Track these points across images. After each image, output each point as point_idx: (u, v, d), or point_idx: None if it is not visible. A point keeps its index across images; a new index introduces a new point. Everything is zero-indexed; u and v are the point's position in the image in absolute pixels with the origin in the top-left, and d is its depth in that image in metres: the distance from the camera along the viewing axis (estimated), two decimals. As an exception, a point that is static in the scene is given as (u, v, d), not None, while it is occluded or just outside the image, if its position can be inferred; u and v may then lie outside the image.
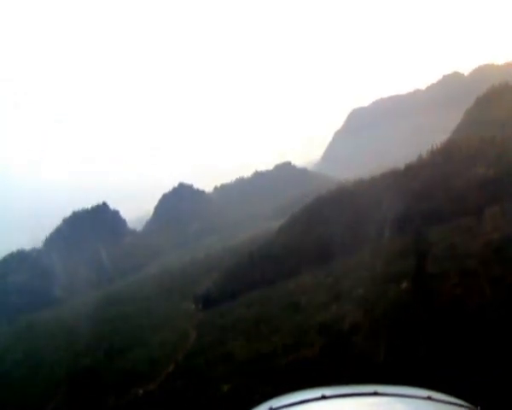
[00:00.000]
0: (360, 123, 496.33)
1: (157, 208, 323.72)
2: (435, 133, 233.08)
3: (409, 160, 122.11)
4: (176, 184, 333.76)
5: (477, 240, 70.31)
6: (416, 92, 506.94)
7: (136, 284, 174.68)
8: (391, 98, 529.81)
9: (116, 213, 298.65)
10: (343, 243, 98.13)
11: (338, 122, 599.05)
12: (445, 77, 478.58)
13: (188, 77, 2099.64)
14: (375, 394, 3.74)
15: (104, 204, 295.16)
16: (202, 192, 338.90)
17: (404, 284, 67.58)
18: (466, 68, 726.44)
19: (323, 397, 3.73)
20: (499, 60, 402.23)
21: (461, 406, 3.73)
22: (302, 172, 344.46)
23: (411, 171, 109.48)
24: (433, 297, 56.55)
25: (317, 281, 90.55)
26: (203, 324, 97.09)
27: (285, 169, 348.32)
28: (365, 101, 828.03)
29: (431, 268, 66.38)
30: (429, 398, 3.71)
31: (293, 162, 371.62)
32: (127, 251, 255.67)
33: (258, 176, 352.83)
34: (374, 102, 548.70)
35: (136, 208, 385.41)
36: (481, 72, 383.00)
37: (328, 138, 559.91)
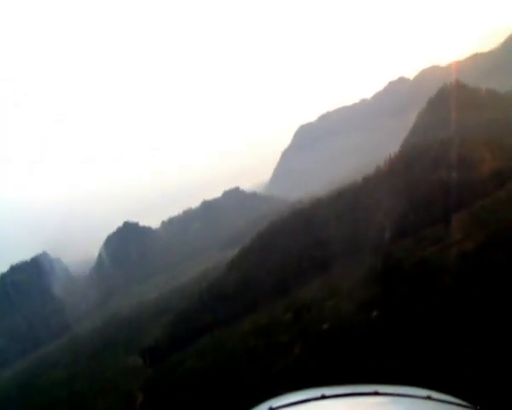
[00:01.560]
0: (308, 139, 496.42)
1: (101, 251, 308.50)
2: (389, 141, 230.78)
3: (363, 172, 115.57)
4: (120, 224, 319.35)
5: (449, 251, 62.21)
6: (363, 102, 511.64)
7: (78, 338, 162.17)
8: (337, 111, 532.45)
9: (58, 261, 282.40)
10: (301, 272, 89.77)
11: (285, 140, 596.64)
12: (390, 83, 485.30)
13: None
14: (376, 393, 3.72)
15: (44, 253, 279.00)
16: (149, 229, 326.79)
17: (375, 313, 58.25)
18: (410, 73, 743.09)
19: (323, 397, 3.70)
20: (441, 61, 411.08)
21: (460, 405, 3.72)
22: (252, 197, 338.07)
23: (370, 183, 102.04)
24: (408, 324, 47.72)
25: (275, 318, 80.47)
26: (151, 382, 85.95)
27: (234, 195, 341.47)
28: (312, 116, 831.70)
29: (402, 289, 57.48)
30: (429, 397, 3.68)
31: (241, 187, 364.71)
32: (70, 301, 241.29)
33: (207, 205, 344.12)
34: (321, 117, 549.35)
35: (80, 252, 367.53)
36: (426, 75, 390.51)
37: (276, 157, 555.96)
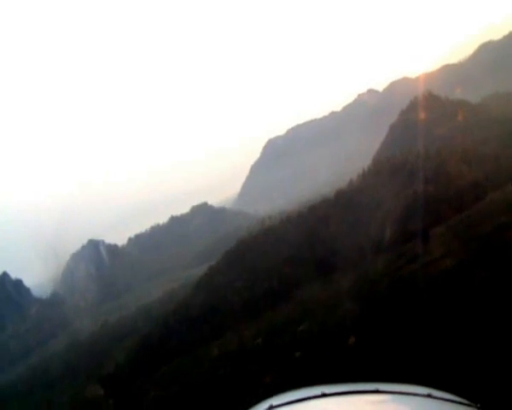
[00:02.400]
0: (277, 153, 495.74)
1: (65, 270, 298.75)
2: (360, 153, 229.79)
3: (335, 186, 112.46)
4: (85, 241, 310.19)
5: (428, 269, 57.71)
6: (332, 115, 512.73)
7: (38, 365, 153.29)
8: (306, 124, 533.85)
9: (19, 283, 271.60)
10: (271, 293, 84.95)
11: (254, 154, 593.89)
12: (360, 95, 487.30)
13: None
14: (376, 391, 3.69)
15: (4, 274, 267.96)
16: (115, 246, 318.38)
17: (352, 339, 53.34)
18: (379, 85, 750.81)
19: (324, 395, 3.67)
20: (411, 73, 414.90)
21: (461, 403, 3.69)
22: (220, 212, 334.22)
23: (343, 198, 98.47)
24: (388, 349, 43.03)
25: (244, 344, 75.25)
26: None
27: (202, 210, 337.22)
28: (281, 129, 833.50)
29: (380, 311, 52.64)
30: (430, 396, 3.65)
31: (209, 202, 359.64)
32: (33, 324, 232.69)
33: (175, 221, 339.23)
34: (289, 130, 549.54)
35: (43, 271, 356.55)
36: (395, 86, 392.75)
37: (245, 171, 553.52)
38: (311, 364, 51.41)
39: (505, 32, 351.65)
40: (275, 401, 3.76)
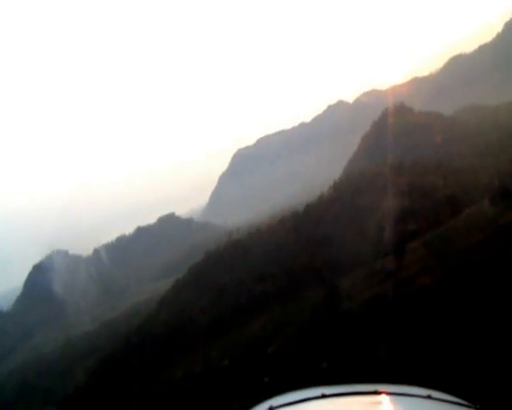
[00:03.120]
0: (246, 164, 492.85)
1: (27, 281, 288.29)
2: (329, 165, 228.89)
3: (304, 198, 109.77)
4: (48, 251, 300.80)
5: (404, 287, 55.54)
6: (302, 126, 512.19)
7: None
8: (276, 135, 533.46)
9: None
10: (238, 310, 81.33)
11: (222, 164, 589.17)
12: (330, 107, 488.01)
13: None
14: (375, 392, 3.72)
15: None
16: (79, 257, 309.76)
17: (325, 364, 50.30)
18: (350, 96, 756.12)
19: (323, 396, 3.73)
20: (381, 85, 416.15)
21: (460, 405, 3.75)
22: (188, 223, 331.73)
23: (313, 212, 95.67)
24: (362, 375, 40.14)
25: (210, 365, 71.63)
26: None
27: (169, 221, 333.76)
28: (250, 140, 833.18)
29: (352, 333, 49.76)
30: (429, 397, 3.72)
31: (177, 212, 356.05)
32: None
33: (141, 231, 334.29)
34: (258, 140, 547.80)
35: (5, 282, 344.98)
36: (365, 98, 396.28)
37: (213, 182, 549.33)
38: (281, 390, 48.01)
39: (475, 45, 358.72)
40: (274, 402, 3.79)
